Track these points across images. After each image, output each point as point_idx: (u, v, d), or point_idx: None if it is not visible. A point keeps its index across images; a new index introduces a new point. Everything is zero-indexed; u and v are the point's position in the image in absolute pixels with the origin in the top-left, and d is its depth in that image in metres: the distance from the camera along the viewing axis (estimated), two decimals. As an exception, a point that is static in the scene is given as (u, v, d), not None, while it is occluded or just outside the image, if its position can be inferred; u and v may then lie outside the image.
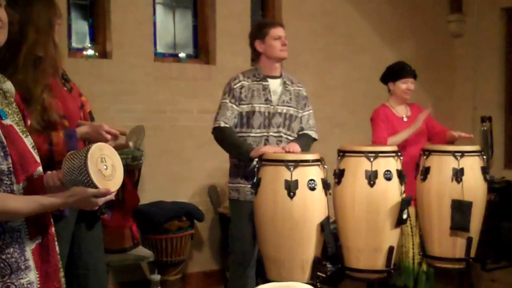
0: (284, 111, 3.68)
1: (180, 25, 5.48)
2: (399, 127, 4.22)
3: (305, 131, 3.79)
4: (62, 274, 1.98)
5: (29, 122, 2.03)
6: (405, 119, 4.31)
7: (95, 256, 2.85)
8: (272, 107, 3.65)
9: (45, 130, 2.50)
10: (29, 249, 1.80)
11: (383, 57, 6.15)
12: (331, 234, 3.32)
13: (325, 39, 6.00)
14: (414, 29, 6.57)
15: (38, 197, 1.78)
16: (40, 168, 1.88)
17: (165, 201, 4.96)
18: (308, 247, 3.29)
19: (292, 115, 3.72)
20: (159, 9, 5.38)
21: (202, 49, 5.51)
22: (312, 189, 3.29)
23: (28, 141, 1.88)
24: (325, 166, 3.40)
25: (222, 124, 3.59)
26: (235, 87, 3.63)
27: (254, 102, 3.63)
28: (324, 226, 3.28)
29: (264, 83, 3.67)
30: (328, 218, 3.34)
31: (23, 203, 1.73)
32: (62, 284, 1.96)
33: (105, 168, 1.81)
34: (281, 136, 3.67)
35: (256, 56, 3.77)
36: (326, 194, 3.36)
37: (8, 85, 1.93)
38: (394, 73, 4.32)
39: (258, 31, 3.71)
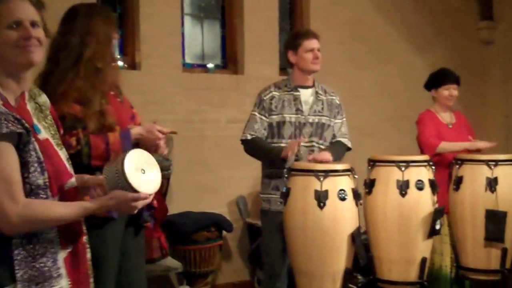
0: (316, 120, 3.65)
1: (209, 36, 5.49)
2: (444, 133, 4.15)
3: (338, 139, 3.75)
4: (91, 280, 2.03)
5: (61, 132, 2.10)
6: (450, 126, 4.25)
7: (137, 263, 2.89)
8: (303, 117, 3.63)
9: (101, 132, 2.63)
10: (61, 257, 1.86)
11: (412, 65, 6.10)
12: (362, 245, 3.29)
13: (353, 47, 5.96)
14: (444, 37, 6.49)
15: (81, 202, 1.86)
16: (72, 180, 1.94)
17: (193, 211, 4.94)
18: (339, 258, 3.24)
19: (324, 124, 3.68)
20: (187, 20, 5.39)
21: (230, 59, 5.51)
22: (343, 199, 3.25)
23: (63, 154, 1.95)
24: (356, 176, 3.36)
25: (249, 137, 3.62)
26: (265, 98, 3.64)
27: (284, 112, 3.62)
28: (355, 237, 3.24)
29: (295, 93, 3.65)
30: (359, 228, 3.30)
31: (68, 209, 1.81)
32: None
33: (143, 173, 1.88)
34: (313, 146, 3.62)
35: (290, 65, 3.78)
36: (356, 204, 3.32)
37: (44, 98, 2.00)
38: (437, 79, 4.28)
39: (292, 42, 3.69)
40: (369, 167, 3.59)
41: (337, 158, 3.58)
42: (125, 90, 4.68)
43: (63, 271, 1.86)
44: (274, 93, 3.65)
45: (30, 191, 1.78)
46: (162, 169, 4.54)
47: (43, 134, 1.88)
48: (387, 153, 3.79)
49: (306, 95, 3.68)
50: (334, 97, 3.79)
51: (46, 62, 2.66)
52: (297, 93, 3.66)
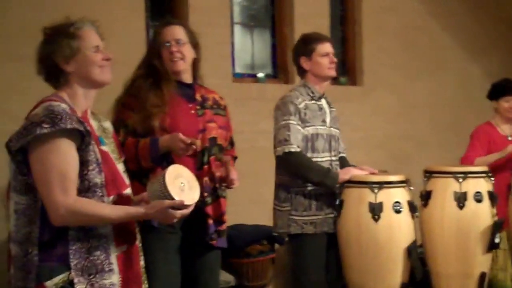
0: (334, 132, 3.42)
1: (258, 45, 5.47)
2: (502, 146, 4.02)
3: (342, 155, 3.54)
4: (145, 286, 2.22)
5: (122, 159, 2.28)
6: (509, 138, 4.11)
7: (207, 283, 2.97)
8: (329, 129, 3.38)
9: (143, 136, 2.72)
10: (114, 254, 2.04)
11: (468, 72, 5.95)
12: (418, 259, 3.23)
13: (407, 55, 5.85)
14: (501, 43, 6.32)
15: (125, 206, 2.05)
16: (129, 190, 2.17)
17: (245, 224, 4.91)
18: (395, 272, 3.18)
19: (338, 138, 3.48)
20: (237, 29, 5.38)
21: (280, 68, 5.47)
22: (398, 211, 3.19)
23: (121, 167, 2.17)
24: (411, 188, 3.28)
25: (298, 149, 3.22)
26: (300, 106, 3.27)
27: (316, 124, 3.31)
28: (411, 251, 3.17)
29: (318, 102, 3.37)
30: (415, 242, 3.24)
31: (112, 210, 2.00)
32: None
33: (182, 185, 2.06)
34: (337, 161, 3.41)
35: (301, 73, 3.45)
36: (412, 217, 3.26)
37: (108, 124, 2.26)
38: (497, 90, 4.19)
39: (304, 47, 3.38)
40: (425, 179, 3.51)
41: None
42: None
43: (115, 267, 2.03)
44: (305, 101, 3.30)
45: (88, 188, 1.98)
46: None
47: (104, 147, 2.11)
48: (443, 164, 3.68)
49: (324, 104, 3.42)
50: (334, 109, 3.52)
51: None
52: (320, 103, 3.37)
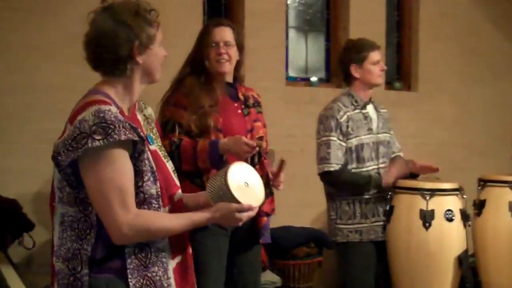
0: (382, 138, 3.39)
1: (313, 49, 5.46)
2: None
3: (397, 153, 3.51)
4: None
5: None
6: None
7: (250, 279, 2.94)
8: (375, 136, 3.35)
9: (201, 136, 2.69)
10: (171, 268, 1.87)
11: (527, 80, 5.78)
12: (469, 269, 3.17)
13: (464, 62, 5.74)
14: None
15: (189, 214, 1.84)
16: (179, 192, 1.95)
17: (294, 226, 4.91)
18: (445, 281, 3.13)
19: (389, 141, 3.44)
20: (292, 33, 5.39)
21: (334, 72, 5.44)
22: (450, 220, 3.14)
23: (170, 166, 1.96)
24: (464, 196, 3.22)
25: (337, 168, 3.23)
26: (341, 120, 3.26)
27: (360, 134, 3.29)
28: (462, 260, 3.12)
29: (363, 111, 3.34)
30: (466, 251, 3.17)
31: (176, 220, 1.81)
32: None
33: (246, 185, 1.87)
34: (385, 167, 3.37)
35: (348, 81, 3.41)
36: (464, 226, 3.20)
37: (149, 111, 2.02)
38: None
39: (356, 54, 3.33)
40: (479, 187, 3.45)
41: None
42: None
43: (172, 281, 1.86)
44: (348, 113, 3.28)
45: (144, 200, 1.79)
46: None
47: (153, 146, 1.91)
48: (498, 173, 3.59)
49: (371, 111, 3.39)
50: (385, 110, 3.50)
51: None
52: (365, 111, 3.34)
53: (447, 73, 5.63)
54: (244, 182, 1.87)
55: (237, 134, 2.75)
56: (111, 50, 1.78)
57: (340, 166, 3.23)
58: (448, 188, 3.21)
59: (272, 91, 5.04)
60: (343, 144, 3.26)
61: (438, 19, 5.67)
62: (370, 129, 3.33)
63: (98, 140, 1.68)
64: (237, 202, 1.81)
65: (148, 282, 1.79)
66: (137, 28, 1.78)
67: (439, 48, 5.58)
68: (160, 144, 1.98)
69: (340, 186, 3.30)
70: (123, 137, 1.70)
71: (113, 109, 1.75)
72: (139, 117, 1.94)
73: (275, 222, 4.79)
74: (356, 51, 3.34)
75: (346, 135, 3.26)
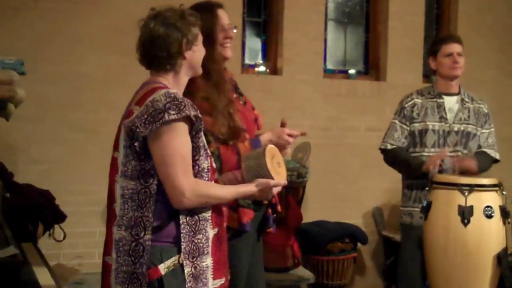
0: (462, 128, 3.47)
1: (351, 41, 5.43)
2: None
3: (483, 149, 3.54)
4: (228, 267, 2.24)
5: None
6: None
7: (260, 269, 2.89)
8: (448, 125, 3.46)
9: (230, 140, 2.56)
10: (211, 237, 2.10)
11: None
12: (509, 268, 3.09)
13: (504, 55, 5.66)
14: None
15: (235, 185, 2.17)
16: (216, 173, 2.26)
17: (328, 221, 4.88)
18: (483, 280, 3.06)
19: (470, 133, 3.49)
20: (331, 25, 5.36)
21: (372, 65, 5.41)
22: (489, 216, 3.07)
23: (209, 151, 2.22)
24: (504, 192, 3.16)
25: (389, 146, 3.51)
26: (406, 105, 3.53)
27: (427, 120, 3.48)
28: (501, 258, 3.05)
29: (439, 100, 3.50)
30: (506, 249, 3.11)
31: (226, 190, 2.12)
32: (229, 273, 2.23)
33: (278, 165, 2.23)
34: (458, 156, 3.43)
35: (433, 72, 3.65)
36: (504, 223, 3.13)
37: None
38: None
39: (432, 47, 3.59)
40: (520, 184, 3.34)
41: (482, 169, 3.40)
42: (266, 95, 4.78)
43: (210, 249, 2.08)
44: (416, 100, 3.53)
45: (197, 173, 2.05)
46: (298, 176, 4.56)
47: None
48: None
49: (450, 102, 3.51)
50: (482, 105, 3.59)
51: None
52: (441, 100, 3.50)
53: (485, 66, 5.57)
54: (276, 162, 2.22)
55: (249, 127, 2.68)
56: (165, 49, 2.07)
57: (394, 146, 3.50)
58: (487, 183, 3.14)
59: (310, 84, 5.03)
60: (404, 127, 3.51)
61: (478, 12, 5.61)
62: (442, 118, 3.48)
63: (173, 114, 1.96)
64: (273, 179, 2.16)
65: (194, 248, 2.03)
66: (184, 28, 2.09)
67: (479, 41, 5.50)
68: None
69: (390, 164, 3.57)
70: (193, 113, 2.00)
71: (178, 93, 2.06)
72: None
73: (310, 217, 4.78)
74: (433, 44, 3.62)
75: (409, 119, 3.50)
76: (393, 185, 3.69)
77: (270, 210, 2.79)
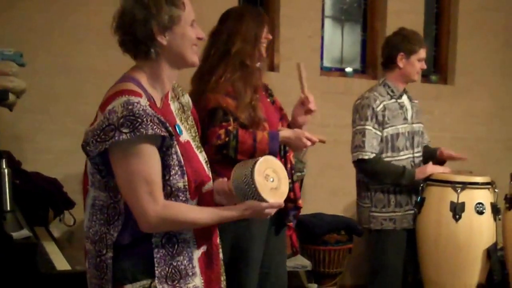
0: (418, 128, 3.47)
1: (348, 39, 5.44)
2: None
3: (427, 145, 3.57)
4: (223, 278, 2.06)
5: (200, 134, 2.08)
6: None
7: (281, 261, 2.97)
8: (410, 126, 3.41)
9: (250, 127, 2.67)
10: (196, 257, 1.89)
11: None
12: (498, 262, 3.17)
13: (504, 56, 5.63)
14: None
15: (218, 209, 1.86)
16: (210, 183, 1.94)
17: (325, 213, 4.96)
18: (472, 272, 3.14)
19: (423, 132, 3.52)
20: (328, 23, 5.36)
21: (369, 64, 5.43)
22: (480, 213, 3.14)
23: (202, 157, 1.96)
24: (496, 190, 3.21)
25: (372, 156, 3.29)
26: (377, 109, 3.32)
27: (396, 123, 3.35)
28: (490, 253, 3.13)
29: (399, 100, 3.40)
30: (495, 244, 3.17)
31: (204, 214, 1.82)
32: (224, 286, 2.05)
33: (271, 181, 1.86)
34: (420, 156, 3.44)
35: (388, 67, 3.44)
36: (495, 219, 3.20)
37: (186, 99, 2.01)
38: None
39: (408, 44, 3.36)
40: (511, 182, 3.40)
41: None
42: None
43: (197, 270, 1.89)
44: (384, 102, 3.34)
45: (170, 193, 1.80)
46: (296, 171, 4.59)
47: (185, 136, 1.90)
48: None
49: (406, 101, 3.45)
50: (417, 101, 3.55)
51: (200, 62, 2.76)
52: (401, 101, 3.41)
53: (485, 66, 5.54)
54: (270, 179, 1.86)
55: (273, 123, 2.76)
56: (129, 31, 1.78)
57: (374, 155, 3.28)
58: (480, 181, 3.21)
59: (307, 81, 5.05)
60: (378, 133, 3.31)
61: (478, 11, 5.58)
62: (405, 119, 3.38)
63: (125, 133, 1.67)
64: (261, 197, 1.81)
65: (173, 271, 1.82)
66: (155, 8, 1.75)
67: (478, 41, 5.50)
68: (194, 134, 1.98)
69: (373, 175, 3.34)
70: (150, 132, 1.69)
71: (143, 101, 1.73)
72: (173, 106, 1.93)
73: (307, 209, 4.83)
74: (409, 41, 3.37)
75: (382, 124, 3.30)
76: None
77: (290, 205, 2.85)
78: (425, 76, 5.31)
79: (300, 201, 2.91)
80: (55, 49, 4.23)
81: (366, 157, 3.29)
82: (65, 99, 4.28)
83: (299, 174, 4.46)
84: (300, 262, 4.50)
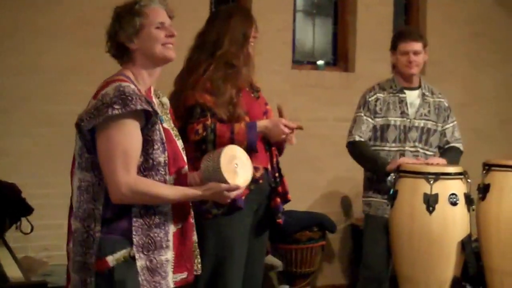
0: (422, 124, 3.50)
1: (320, 32, 5.43)
2: None
3: (452, 144, 3.59)
4: (197, 261, 2.26)
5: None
6: None
7: (258, 260, 2.98)
8: (409, 120, 3.49)
9: (229, 121, 2.73)
10: (171, 231, 2.09)
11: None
12: (472, 254, 3.16)
13: (474, 46, 5.69)
14: None
15: (183, 187, 2.09)
16: (186, 167, 2.19)
17: (296, 210, 4.90)
18: (447, 266, 3.12)
19: (430, 129, 3.53)
20: (299, 16, 5.36)
21: (341, 56, 5.42)
22: (454, 204, 3.13)
23: (179, 144, 2.20)
24: (469, 180, 3.21)
25: (357, 138, 3.49)
26: (370, 99, 3.53)
27: (389, 115, 3.49)
28: (465, 245, 3.11)
29: (400, 95, 3.52)
30: (469, 236, 3.17)
31: (172, 191, 2.05)
32: (197, 267, 2.24)
33: (236, 166, 2.10)
34: (417, 151, 3.48)
35: (392, 66, 3.66)
36: (468, 210, 3.20)
37: (165, 100, 2.28)
38: None
39: (392, 41, 3.60)
40: (484, 172, 3.43)
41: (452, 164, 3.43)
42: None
43: (171, 244, 2.08)
44: (378, 94, 3.52)
45: (152, 167, 2.03)
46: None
47: (165, 124, 2.14)
48: (503, 157, 3.57)
49: (412, 97, 3.53)
50: (442, 99, 3.62)
51: (184, 63, 2.86)
52: (403, 95, 3.52)
53: (455, 57, 5.59)
54: (235, 164, 2.10)
55: (257, 117, 2.79)
56: (112, 44, 2.12)
57: (361, 139, 3.47)
58: (452, 172, 3.20)
59: (278, 74, 5.02)
60: (370, 120, 3.50)
61: (448, 2, 5.62)
62: (404, 113, 3.49)
63: (117, 109, 1.94)
64: (226, 182, 2.05)
65: (149, 241, 2.03)
66: (122, 21, 2.09)
67: (449, 32, 5.54)
68: (172, 126, 2.21)
69: (355, 158, 3.56)
70: (139, 107, 1.97)
71: (132, 86, 2.02)
72: (154, 100, 2.17)
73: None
74: (393, 38, 3.63)
75: (373, 113, 3.50)
76: (361, 175, 3.71)
77: (278, 199, 2.83)
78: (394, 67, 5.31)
79: (289, 196, 2.94)
80: (22, 49, 4.15)
81: (351, 140, 3.51)
82: (28, 99, 4.19)
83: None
84: (271, 263, 4.39)
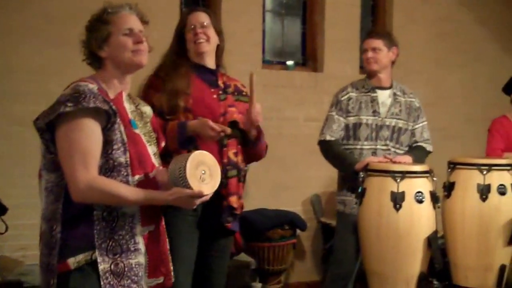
0: (393, 123, 3.58)
1: (289, 32, 5.48)
2: None
3: (419, 144, 3.67)
4: (172, 265, 2.20)
5: (162, 144, 2.34)
6: None
7: (218, 264, 2.99)
8: (380, 119, 3.57)
9: (167, 115, 2.79)
10: (140, 235, 2.07)
11: (504, 66, 5.84)
12: (438, 250, 3.21)
13: (439, 46, 5.79)
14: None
15: (146, 190, 2.03)
16: (155, 171, 2.15)
17: (268, 208, 4.95)
18: (414, 262, 3.17)
19: (401, 128, 3.61)
20: (269, 16, 5.40)
21: (310, 56, 5.48)
22: (420, 201, 3.18)
23: (151, 150, 2.18)
24: (434, 178, 3.28)
25: (328, 138, 3.56)
26: (342, 99, 3.60)
27: (361, 114, 3.57)
28: (431, 241, 3.16)
29: (372, 94, 3.60)
30: (436, 232, 3.22)
31: (132, 192, 2.00)
32: (171, 272, 2.19)
33: (203, 173, 2.05)
34: (389, 150, 3.56)
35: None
36: (434, 207, 3.24)
37: (147, 109, 2.29)
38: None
39: (361, 41, 3.77)
40: (449, 170, 3.48)
41: (419, 163, 3.49)
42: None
43: (141, 247, 2.06)
44: (351, 94, 3.60)
45: (113, 167, 2.01)
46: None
47: (136, 130, 2.14)
48: (472, 156, 3.65)
49: (383, 96, 3.61)
50: (413, 99, 3.69)
51: None
52: (375, 94, 3.60)
53: (421, 57, 5.68)
54: (201, 171, 2.04)
55: (208, 116, 2.78)
56: (85, 52, 2.16)
57: (332, 138, 3.55)
58: (418, 170, 3.25)
59: (248, 74, 5.04)
60: (341, 119, 3.57)
61: (413, 3, 5.72)
62: (375, 112, 3.57)
63: (69, 106, 1.94)
64: (191, 188, 2.00)
65: (114, 244, 2.00)
66: (92, 30, 2.12)
67: (414, 32, 5.62)
68: (149, 137, 2.21)
69: (326, 157, 3.62)
70: (91, 105, 1.95)
71: (91, 85, 2.02)
72: (127, 106, 2.16)
73: (250, 205, 4.82)
74: (363, 38, 3.74)
75: (345, 112, 3.57)
76: (331, 173, 3.77)
77: (225, 202, 2.85)
78: (362, 68, 5.39)
79: (231, 198, 2.88)
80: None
81: (322, 139, 3.59)
82: (0, 100, 4.15)
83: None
84: (244, 261, 4.44)
